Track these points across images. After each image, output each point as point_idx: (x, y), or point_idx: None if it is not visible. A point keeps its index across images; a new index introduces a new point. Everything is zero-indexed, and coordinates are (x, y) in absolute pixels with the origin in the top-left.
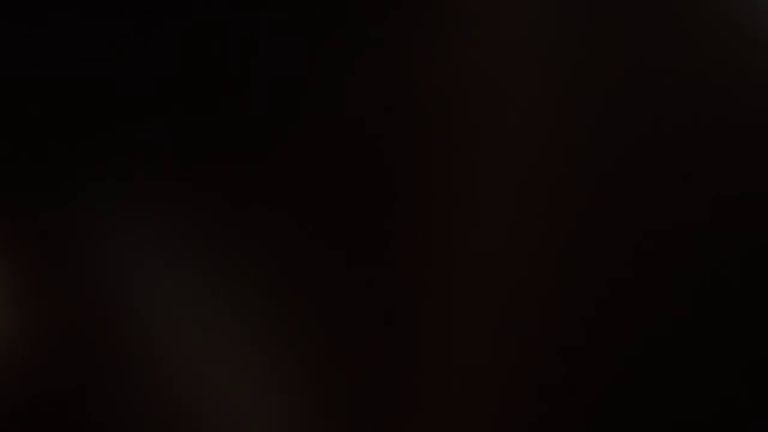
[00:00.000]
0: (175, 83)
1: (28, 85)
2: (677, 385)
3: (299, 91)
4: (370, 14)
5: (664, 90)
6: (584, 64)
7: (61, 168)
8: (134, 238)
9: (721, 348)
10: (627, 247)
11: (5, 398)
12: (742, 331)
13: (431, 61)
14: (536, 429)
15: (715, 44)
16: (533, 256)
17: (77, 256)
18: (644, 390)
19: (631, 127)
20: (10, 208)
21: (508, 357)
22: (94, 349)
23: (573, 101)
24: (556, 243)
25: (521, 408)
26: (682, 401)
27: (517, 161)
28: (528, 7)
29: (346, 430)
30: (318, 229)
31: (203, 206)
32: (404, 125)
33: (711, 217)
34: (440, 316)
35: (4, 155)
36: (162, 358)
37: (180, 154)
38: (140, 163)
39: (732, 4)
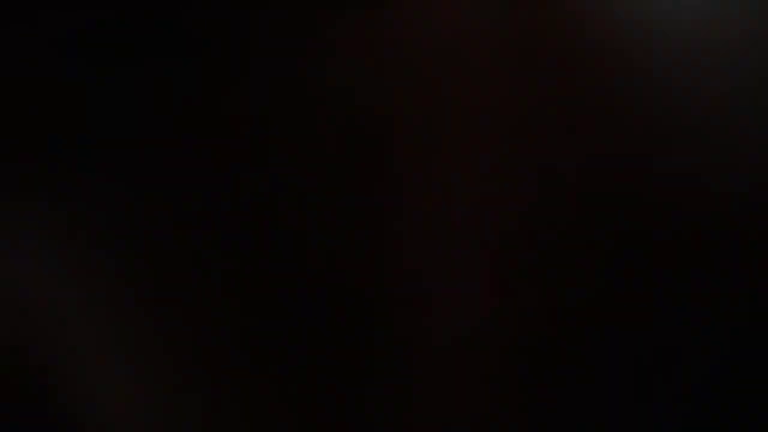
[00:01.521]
0: (175, 83)
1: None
2: (677, 384)
3: (299, 91)
4: (370, 14)
5: (663, 90)
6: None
7: (60, 168)
8: (134, 238)
9: (721, 348)
10: (623, 246)
11: None
12: (742, 331)
13: (431, 60)
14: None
15: (714, 44)
16: (530, 255)
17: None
18: (644, 390)
19: (631, 126)
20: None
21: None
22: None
23: (573, 101)
24: (555, 242)
25: (518, 408)
26: (682, 401)
27: (517, 161)
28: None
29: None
30: (318, 228)
31: (203, 206)
32: (405, 125)
33: (711, 217)
34: (440, 316)
35: (4, 155)
36: (66, 360)
37: (180, 153)
38: (140, 162)
39: (732, 5)
